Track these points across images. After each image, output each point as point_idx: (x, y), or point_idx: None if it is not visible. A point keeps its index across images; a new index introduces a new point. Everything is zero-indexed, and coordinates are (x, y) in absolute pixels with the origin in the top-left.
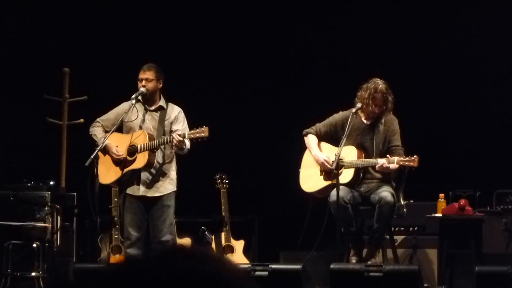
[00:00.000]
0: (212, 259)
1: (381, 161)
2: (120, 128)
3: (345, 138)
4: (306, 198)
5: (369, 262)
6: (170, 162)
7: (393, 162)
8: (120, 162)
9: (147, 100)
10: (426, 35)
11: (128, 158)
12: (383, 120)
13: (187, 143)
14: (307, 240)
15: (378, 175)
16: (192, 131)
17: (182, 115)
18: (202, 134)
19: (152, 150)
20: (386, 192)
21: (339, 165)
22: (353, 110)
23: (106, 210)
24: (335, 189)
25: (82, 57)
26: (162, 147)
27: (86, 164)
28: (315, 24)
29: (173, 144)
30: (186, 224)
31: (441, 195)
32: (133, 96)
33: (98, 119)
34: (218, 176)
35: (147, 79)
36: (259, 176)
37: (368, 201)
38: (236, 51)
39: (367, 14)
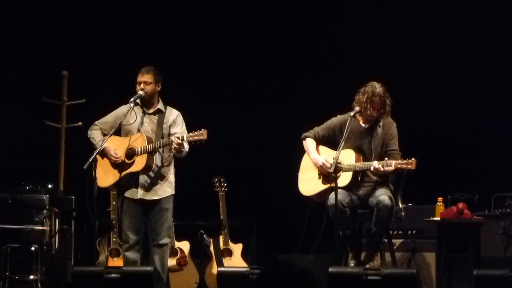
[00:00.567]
0: None
1: (376, 164)
2: (119, 131)
3: (343, 142)
4: (304, 202)
5: (367, 266)
6: (169, 165)
7: (390, 166)
8: (118, 165)
9: (146, 103)
10: (424, 38)
11: (127, 161)
12: (381, 123)
13: (186, 146)
14: (305, 244)
15: (376, 179)
16: (190, 134)
17: (180, 118)
18: (201, 137)
19: (150, 153)
20: (384, 196)
21: (337, 168)
22: (352, 113)
23: (105, 213)
24: (333, 192)
25: (80, 60)
26: (161, 150)
27: (85, 167)
28: (313, 28)
29: (172, 147)
30: (184, 228)
31: (440, 198)
32: (132, 99)
33: (96, 122)
34: (216, 180)
35: (146, 82)
36: (257, 179)
37: (366, 204)
38: (235, 55)
39: (364, 18)
